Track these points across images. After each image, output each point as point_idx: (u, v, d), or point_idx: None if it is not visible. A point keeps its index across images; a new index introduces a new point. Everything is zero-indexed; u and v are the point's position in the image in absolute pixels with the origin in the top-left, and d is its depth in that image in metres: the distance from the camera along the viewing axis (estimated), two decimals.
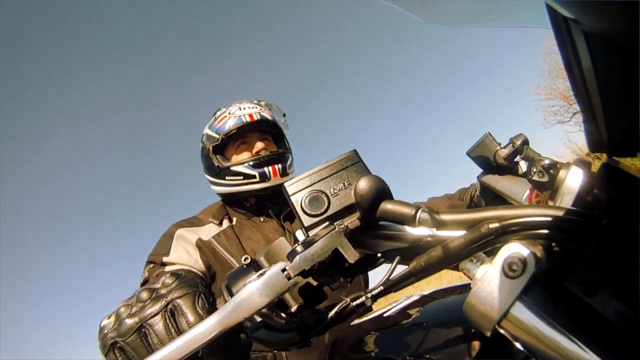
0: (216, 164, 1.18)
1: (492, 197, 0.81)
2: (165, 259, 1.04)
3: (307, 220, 0.41)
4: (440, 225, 0.39)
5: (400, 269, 0.42)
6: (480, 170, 0.83)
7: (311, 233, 0.41)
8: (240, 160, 1.16)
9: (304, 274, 0.38)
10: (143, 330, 0.41)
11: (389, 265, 0.43)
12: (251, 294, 0.38)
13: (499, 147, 0.77)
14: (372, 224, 0.43)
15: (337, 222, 0.41)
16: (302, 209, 0.42)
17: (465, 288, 0.63)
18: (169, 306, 0.41)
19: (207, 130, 1.24)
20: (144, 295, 0.43)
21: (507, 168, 0.78)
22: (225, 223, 1.15)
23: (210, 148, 1.19)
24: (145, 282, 1.02)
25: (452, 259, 0.39)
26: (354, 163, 0.44)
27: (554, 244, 0.37)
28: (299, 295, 0.44)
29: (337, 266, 0.41)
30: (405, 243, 0.42)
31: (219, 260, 1.06)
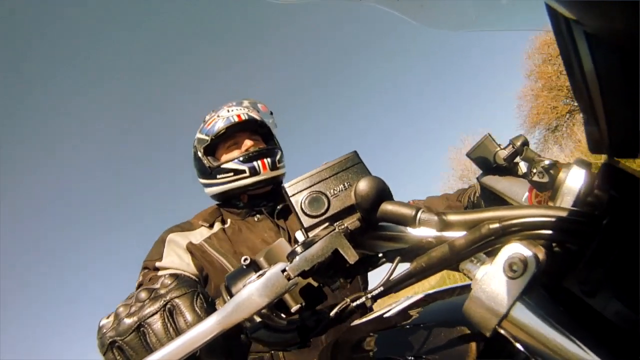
0: (207, 165, 1.19)
1: (492, 198, 0.81)
2: (158, 264, 1.05)
3: (307, 221, 0.41)
4: (440, 226, 0.39)
5: (401, 269, 0.42)
6: (480, 171, 0.83)
7: (311, 234, 0.41)
8: (230, 158, 1.18)
9: (304, 274, 0.38)
10: (142, 329, 0.41)
11: (389, 265, 0.43)
12: (251, 295, 0.38)
13: (498, 148, 0.77)
14: (372, 224, 0.43)
15: (337, 223, 0.41)
16: (302, 209, 0.42)
17: (466, 289, 0.63)
18: (168, 306, 0.42)
19: (198, 135, 1.27)
20: (143, 295, 0.43)
21: (507, 169, 0.78)
22: (217, 226, 1.16)
23: (201, 150, 1.22)
24: (139, 287, 1.03)
25: (453, 259, 0.39)
26: (355, 164, 0.44)
27: (554, 245, 0.36)
28: (299, 296, 0.44)
29: (337, 267, 0.41)
30: (406, 244, 0.42)
31: (210, 263, 1.07)
